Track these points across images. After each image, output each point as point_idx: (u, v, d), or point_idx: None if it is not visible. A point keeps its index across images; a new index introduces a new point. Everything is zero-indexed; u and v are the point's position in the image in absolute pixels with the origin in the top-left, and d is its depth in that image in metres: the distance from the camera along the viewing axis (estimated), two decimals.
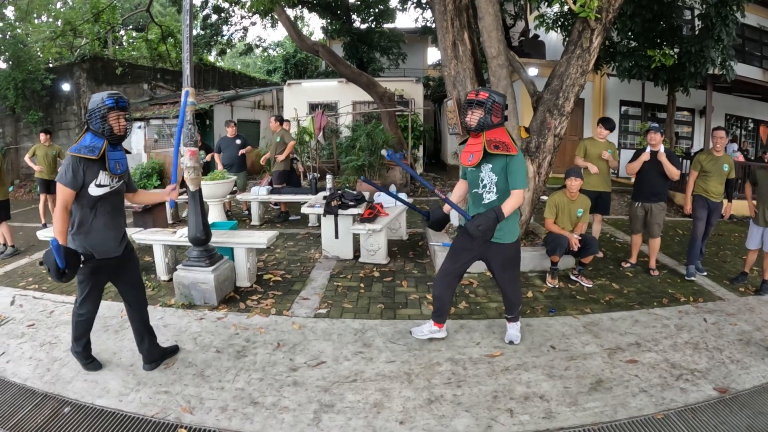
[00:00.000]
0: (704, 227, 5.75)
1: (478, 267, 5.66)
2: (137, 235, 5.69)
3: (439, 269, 3.98)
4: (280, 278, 5.61)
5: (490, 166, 3.49)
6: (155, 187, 12.68)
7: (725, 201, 5.77)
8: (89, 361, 3.59)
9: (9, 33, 15.28)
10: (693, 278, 5.57)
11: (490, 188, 3.52)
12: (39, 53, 15.58)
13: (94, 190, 3.15)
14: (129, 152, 3.51)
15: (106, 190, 3.22)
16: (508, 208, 3.41)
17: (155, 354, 3.66)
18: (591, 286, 5.36)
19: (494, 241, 3.58)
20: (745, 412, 3.06)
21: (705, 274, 5.82)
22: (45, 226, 8.65)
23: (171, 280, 5.31)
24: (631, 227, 6.05)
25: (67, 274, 3.04)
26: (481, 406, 3.13)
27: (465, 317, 4.50)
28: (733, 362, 3.68)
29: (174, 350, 3.85)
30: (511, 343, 3.93)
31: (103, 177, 3.18)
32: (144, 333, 3.61)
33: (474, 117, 3.48)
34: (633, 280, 5.61)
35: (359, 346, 3.96)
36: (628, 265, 6.05)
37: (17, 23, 16.07)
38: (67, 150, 3.19)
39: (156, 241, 5.58)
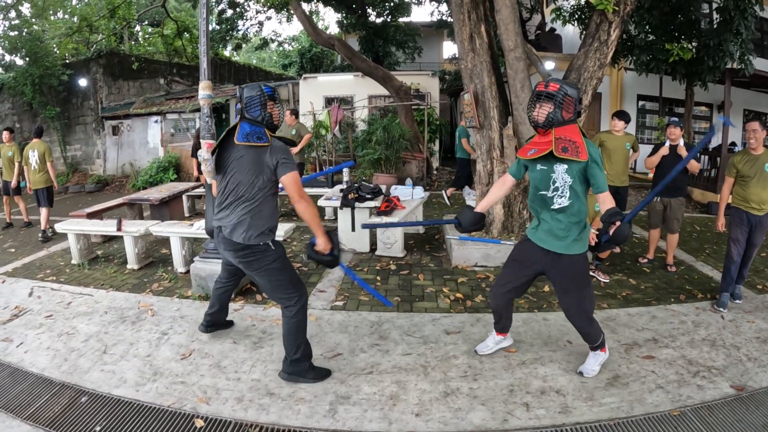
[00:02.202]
0: (740, 250, 4.64)
1: (494, 261, 5.68)
2: (154, 227, 5.75)
3: (496, 279, 3.62)
4: (296, 270, 5.62)
5: (566, 166, 3.01)
6: (171, 181, 12.78)
7: None
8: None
9: (26, 30, 15.42)
10: (722, 310, 4.51)
11: (563, 191, 3.06)
12: (55, 49, 15.73)
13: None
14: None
15: None
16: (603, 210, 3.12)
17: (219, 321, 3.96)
18: (608, 281, 5.32)
19: (559, 251, 3.15)
20: (762, 410, 3.01)
21: (740, 301, 4.75)
22: (11, 225, 8.77)
23: (188, 272, 5.35)
24: (649, 222, 5.97)
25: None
26: (497, 399, 3.12)
27: (482, 311, 4.48)
28: (751, 360, 3.63)
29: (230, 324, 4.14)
30: (580, 374, 3.39)
31: None
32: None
33: (542, 112, 3.00)
34: (650, 275, 5.56)
35: (375, 338, 3.97)
36: (646, 260, 5.99)
37: (34, 20, 16.21)
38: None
39: (173, 233, 5.63)
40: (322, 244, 3.18)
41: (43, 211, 7.81)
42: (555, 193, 3.10)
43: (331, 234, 3.23)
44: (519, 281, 3.39)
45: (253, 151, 3.11)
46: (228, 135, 3.23)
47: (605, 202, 3.10)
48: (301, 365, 3.30)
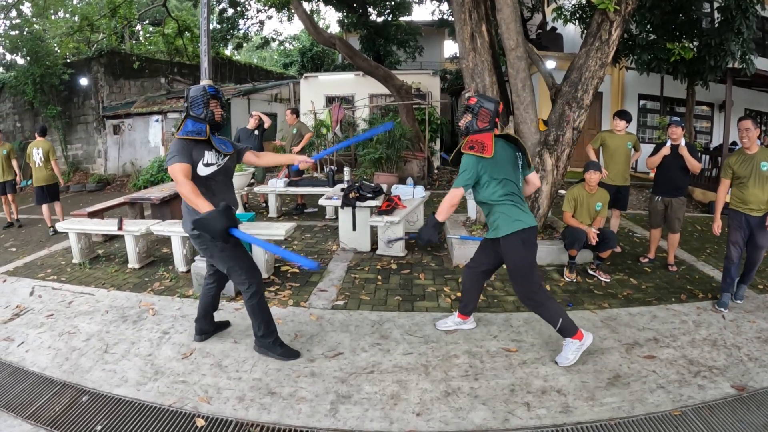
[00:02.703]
0: (740, 252, 4.58)
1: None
2: (155, 226, 5.75)
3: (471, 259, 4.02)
4: (297, 270, 5.64)
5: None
6: (172, 181, 12.76)
7: None
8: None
9: (27, 29, 15.43)
10: (723, 310, 4.48)
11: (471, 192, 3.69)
12: (56, 48, 15.73)
13: (201, 170, 3.38)
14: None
15: (213, 168, 3.45)
16: (439, 209, 3.61)
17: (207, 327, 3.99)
18: (609, 280, 5.32)
19: (497, 236, 3.54)
20: (763, 410, 3.01)
21: (741, 301, 4.70)
22: (12, 225, 8.84)
23: (189, 271, 5.35)
24: (650, 222, 5.97)
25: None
26: (498, 399, 3.12)
27: (483, 310, 4.48)
28: (752, 360, 3.62)
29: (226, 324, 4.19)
30: (555, 363, 3.52)
31: (209, 156, 3.42)
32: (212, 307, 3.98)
33: (463, 121, 3.63)
34: (651, 275, 5.55)
35: (377, 337, 3.97)
36: (647, 260, 5.99)
37: (35, 19, 16.22)
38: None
39: (174, 232, 5.63)
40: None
41: (49, 207, 8.27)
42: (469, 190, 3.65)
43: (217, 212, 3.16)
44: (483, 267, 3.87)
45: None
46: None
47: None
48: (266, 340, 3.62)
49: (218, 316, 4.11)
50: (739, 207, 4.54)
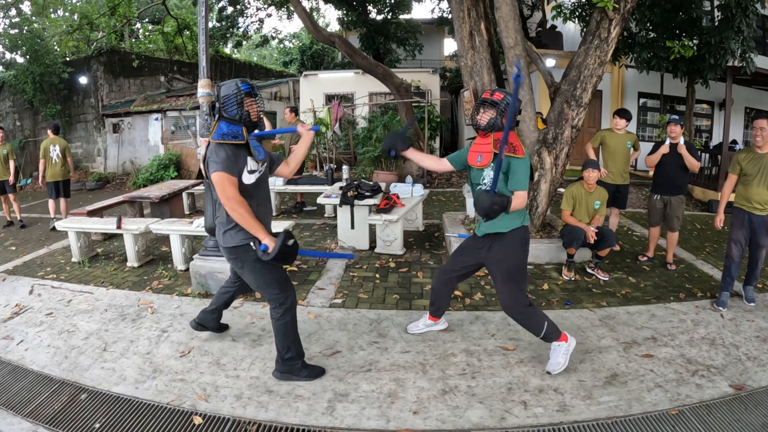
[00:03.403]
0: (740, 250, 4.61)
1: None
2: (154, 225, 5.76)
3: (443, 264, 3.83)
4: (295, 268, 5.64)
5: (493, 165, 3.26)
6: (172, 178, 12.78)
7: None
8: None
9: (26, 27, 15.44)
10: (722, 309, 4.48)
11: (489, 186, 3.25)
12: (56, 47, 15.74)
13: (247, 178, 3.07)
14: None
15: (257, 176, 3.15)
16: (512, 207, 3.20)
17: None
18: (607, 279, 5.32)
19: (494, 231, 3.36)
20: (761, 409, 3.01)
21: (753, 304, 4.60)
22: (11, 223, 8.87)
23: (188, 269, 5.35)
24: (649, 220, 5.96)
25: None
26: (495, 397, 3.13)
27: (480, 308, 4.49)
28: (750, 359, 3.62)
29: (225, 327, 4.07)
30: (548, 372, 3.40)
31: (251, 163, 3.11)
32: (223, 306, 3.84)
33: (485, 117, 3.29)
34: (650, 274, 5.55)
35: (374, 336, 3.97)
36: (645, 258, 5.98)
37: (34, 18, 16.21)
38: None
39: (173, 231, 5.63)
40: (270, 245, 2.99)
41: (62, 201, 8.54)
42: (485, 186, 3.34)
43: (279, 235, 3.05)
44: (462, 271, 3.71)
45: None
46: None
47: (516, 197, 3.23)
48: (293, 364, 3.31)
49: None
50: (743, 205, 4.57)
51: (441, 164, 3.71)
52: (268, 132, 3.92)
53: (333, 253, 3.26)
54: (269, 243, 2.97)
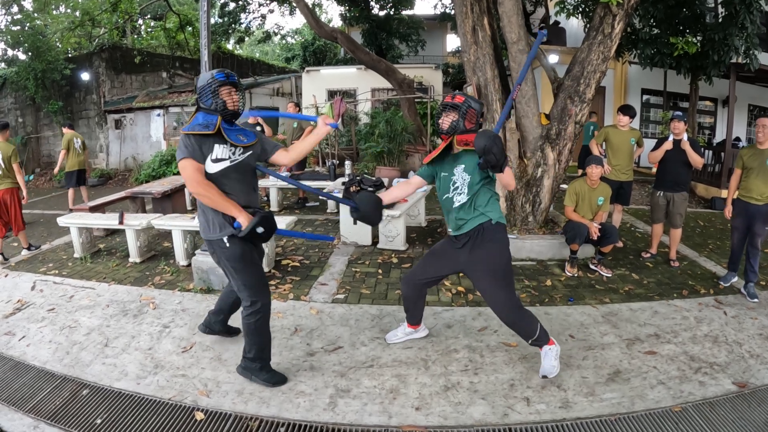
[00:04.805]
0: (742, 237, 4.95)
1: None
2: (156, 221, 5.75)
3: (410, 270, 3.69)
4: (298, 264, 5.63)
5: (463, 166, 3.23)
6: (174, 174, 12.77)
7: None
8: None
9: (28, 24, 15.44)
10: (724, 284, 5.00)
11: (461, 189, 3.23)
12: (58, 44, 15.75)
13: (210, 167, 2.97)
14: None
15: (226, 164, 3.01)
16: (506, 178, 3.16)
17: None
18: (610, 275, 5.30)
19: (478, 222, 3.21)
20: (764, 407, 2.99)
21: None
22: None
23: (190, 265, 5.35)
24: (652, 217, 5.95)
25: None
26: (498, 394, 3.12)
27: (483, 305, 4.47)
28: (753, 357, 3.61)
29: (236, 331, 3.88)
30: (544, 377, 3.28)
31: (219, 151, 2.99)
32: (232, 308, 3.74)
33: (446, 120, 3.26)
34: (653, 270, 5.54)
35: (376, 331, 3.96)
36: (648, 255, 5.97)
37: (36, 14, 16.22)
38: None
39: (175, 226, 5.63)
40: (244, 223, 2.95)
41: (83, 189, 9.68)
42: (455, 192, 3.27)
43: (257, 214, 3.02)
44: (435, 277, 3.56)
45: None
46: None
47: (506, 173, 3.13)
48: (252, 364, 3.22)
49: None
50: (743, 195, 4.94)
51: (412, 184, 3.64)
52: (272, 114, 3.89)
53: (313, 234, 3.18)
54: (243, 221, 2.94)
